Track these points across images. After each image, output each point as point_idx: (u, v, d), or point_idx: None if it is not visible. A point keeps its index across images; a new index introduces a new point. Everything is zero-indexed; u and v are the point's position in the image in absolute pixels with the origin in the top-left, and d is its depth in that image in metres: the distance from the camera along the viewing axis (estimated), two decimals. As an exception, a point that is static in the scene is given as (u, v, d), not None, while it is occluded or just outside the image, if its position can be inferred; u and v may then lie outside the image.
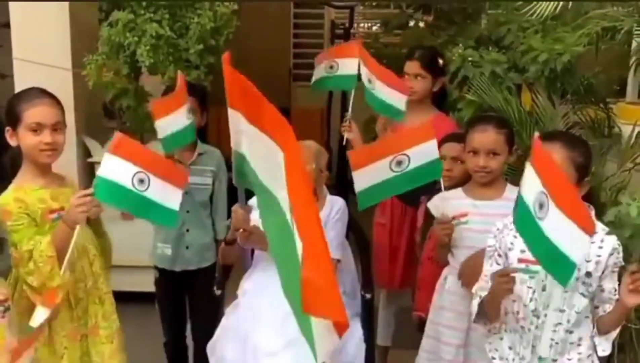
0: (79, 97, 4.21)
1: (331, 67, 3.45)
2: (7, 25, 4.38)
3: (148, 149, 2.46)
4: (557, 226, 1.85)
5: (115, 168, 2.27)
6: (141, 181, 2.29)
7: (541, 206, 1.88)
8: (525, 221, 1.94)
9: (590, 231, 1.86)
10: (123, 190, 2.27)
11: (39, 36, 4.21)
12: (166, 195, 2.35)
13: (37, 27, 4.21)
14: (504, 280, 2.16)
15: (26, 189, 2.36)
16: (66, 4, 4.25)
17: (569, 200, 1.87)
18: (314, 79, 3.58)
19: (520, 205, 1.97)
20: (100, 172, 2.28)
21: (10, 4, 4.27)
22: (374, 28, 7.74)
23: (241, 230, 2.69)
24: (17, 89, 3.97)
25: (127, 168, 2.27)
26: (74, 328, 2.42)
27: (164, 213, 2.37)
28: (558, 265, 1.88)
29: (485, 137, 2.55)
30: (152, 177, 2.31)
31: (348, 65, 3.35)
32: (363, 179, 2.67)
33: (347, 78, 3.36)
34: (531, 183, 1.91)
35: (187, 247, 3.25)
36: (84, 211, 2.26)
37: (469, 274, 2.54)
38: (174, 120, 2.92)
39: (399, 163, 2.64)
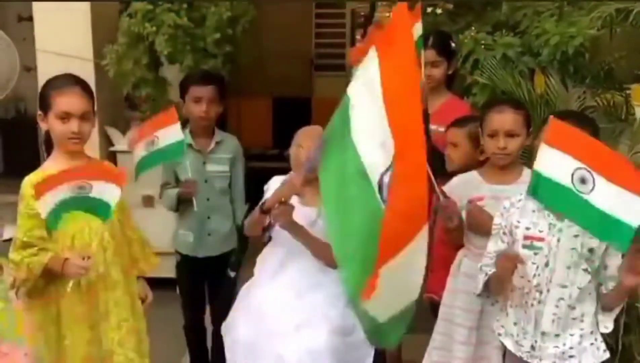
0: (101, 87, 4.26)
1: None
2: (30, 18, 4.50)
3: (79, 165, 2.44)
4: (608, 196, 1.85)
5: (57, 195, 2.29)
6: (81, 187, 2.31)
7: (583, 181, 1.89)
8: (563, 199, 1.94)
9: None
10: (68, 200, 2.31)
11: (61, 28, 4.32)
12: (104, 192, 2.34)
13: (59, 19, 4.32)
14: (508, 263, 2.22)
15: (47, 173, 2.38)
16: (87, -5, 4.34)
17: (614, 167, 1.87)
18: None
19: (546, 184, 1.95)
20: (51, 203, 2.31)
21: (33, -3, 4.38)
22: (395, 17, 7.73)
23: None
24: (41, 80, 4.07)
25: (66, 187, 2.30)
26: (83, 311, 2.43)
27: (102, 207, 2.37)
28: (614, 232, 1.87)
29: (504, 117, 2.55)
30: (90, 182, 2.33)
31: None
32: None
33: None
34: (559, 162, 1.91)
35: (209, 234, 3.31)
36: (81, 274, 2.34)
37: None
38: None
39: None
